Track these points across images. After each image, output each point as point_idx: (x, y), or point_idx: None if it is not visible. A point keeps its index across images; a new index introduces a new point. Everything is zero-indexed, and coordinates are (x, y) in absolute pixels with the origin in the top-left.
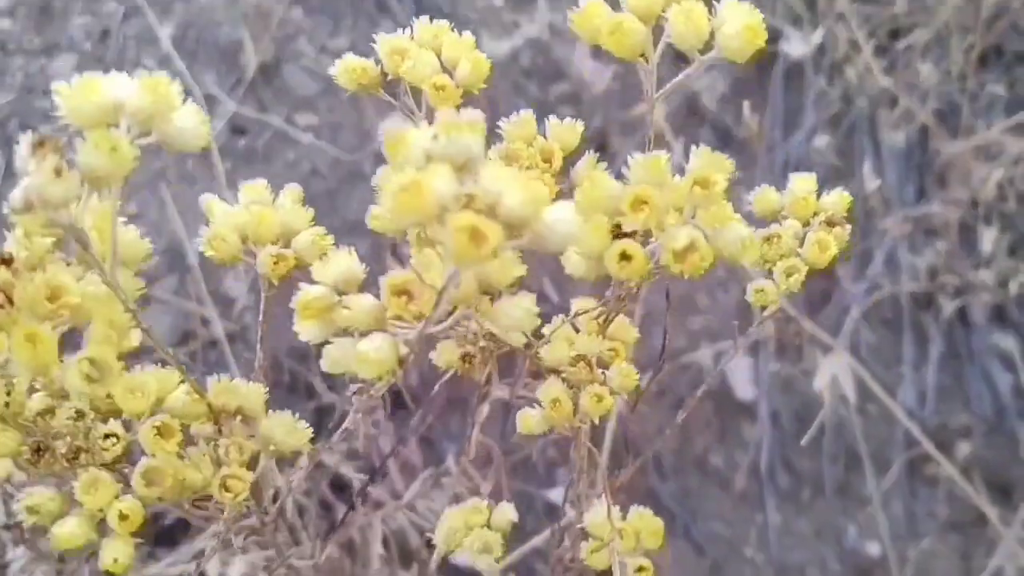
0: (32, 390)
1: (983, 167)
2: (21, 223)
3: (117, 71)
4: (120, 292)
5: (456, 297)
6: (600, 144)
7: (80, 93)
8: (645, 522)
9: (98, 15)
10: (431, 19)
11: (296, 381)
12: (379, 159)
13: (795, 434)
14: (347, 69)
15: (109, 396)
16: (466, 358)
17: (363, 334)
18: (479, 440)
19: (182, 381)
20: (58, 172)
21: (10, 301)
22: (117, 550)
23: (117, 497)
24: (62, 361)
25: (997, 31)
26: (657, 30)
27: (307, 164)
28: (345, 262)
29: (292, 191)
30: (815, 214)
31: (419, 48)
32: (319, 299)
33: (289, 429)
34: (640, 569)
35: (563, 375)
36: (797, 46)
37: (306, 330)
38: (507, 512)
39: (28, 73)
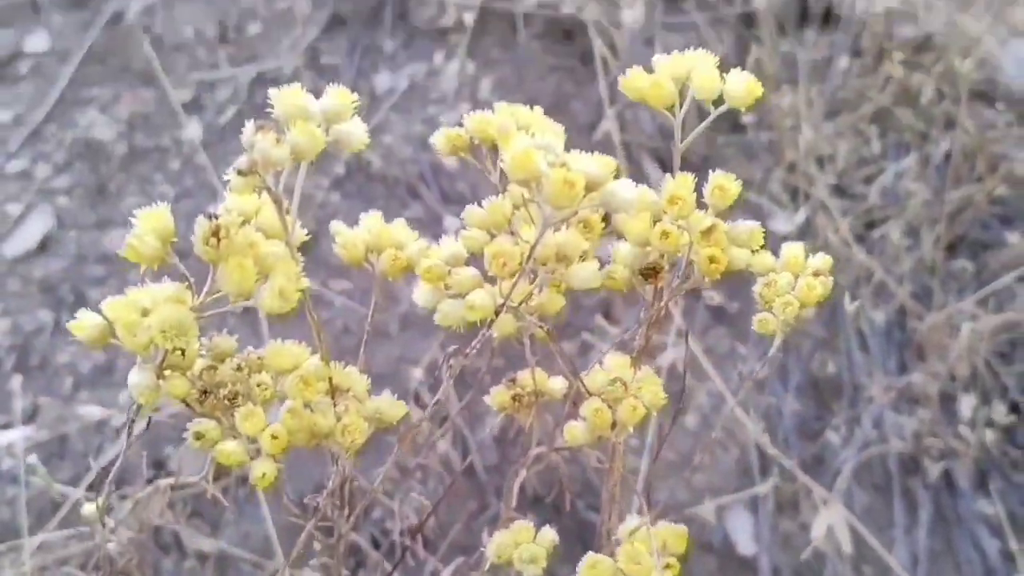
0: (197, 355)
1: (957, 344)
2: (234, 188)
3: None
4: (295, 254)
5: (541, 255)
6: None
7: (287, 98)
8: (670, 531)
9: (150, 196)
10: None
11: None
12: (403, 319)
13: None
14: (446, 136)
15: (260, 358)
16: (516, 398)
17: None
18: None
19: (313, 354)
20: (277, 140)
21: (224, 238)
22: (266, 467)
23: (267, 426)
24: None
25: (962, 222)
26: (684, 92)
27: (340, 322)
28: (453, 247)
29: (398, 222)
30: (803, 270)
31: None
32: (436, 267)
33: (391, 403)
34: (668, 566)
35: (602, 396)
36: (783, 224)
37: (423, 294)
38: (549, 534)
39: (81, 244)
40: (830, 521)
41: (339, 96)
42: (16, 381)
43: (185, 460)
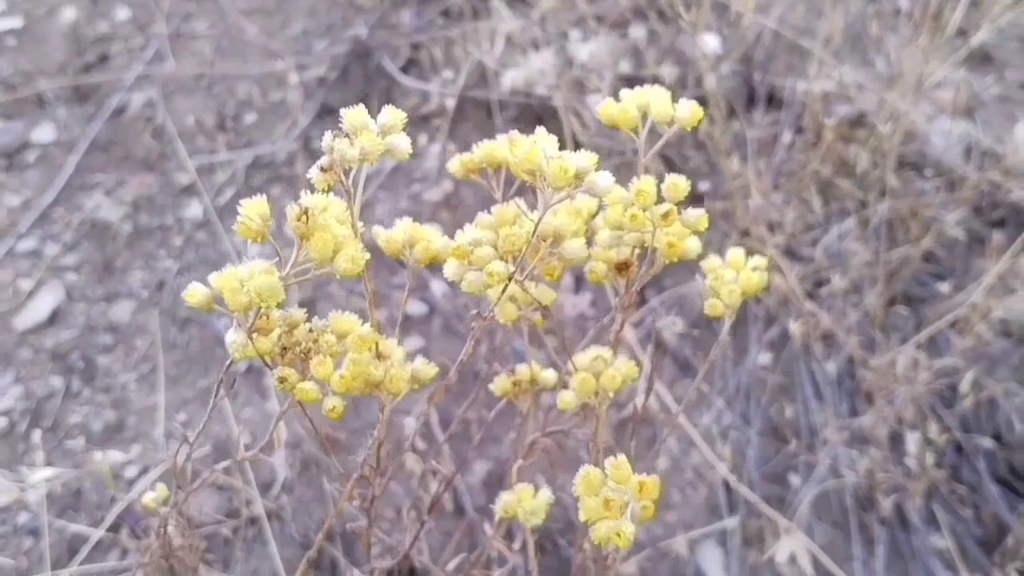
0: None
1: (901, 389)
2: (315, 182)
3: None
4: (360, 237)
5: (543, 231)
6: None
7: (354, 115)
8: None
9: (155, 271)
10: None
11: (321, 558)
12: None
13: None
14: (460, 161)
15: (325, 325)
16: (516, 384)
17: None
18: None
19: (364, 324)
20: (351, 144)
21: (311, 217)
22: (336, 402)
23: (335, 371)
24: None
25: (901, 279)
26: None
27: None
28: (475, 232)
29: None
30: (744, 267)
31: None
32: (461, 247)
33: (424, 365)
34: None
35: (588, 370)
36: None
37: (451, 269)
38: (546, 493)
39: (89, 315)
40: (793, 548)
41: (392, 114)
42: (36, 435)
43: (200, 502)
